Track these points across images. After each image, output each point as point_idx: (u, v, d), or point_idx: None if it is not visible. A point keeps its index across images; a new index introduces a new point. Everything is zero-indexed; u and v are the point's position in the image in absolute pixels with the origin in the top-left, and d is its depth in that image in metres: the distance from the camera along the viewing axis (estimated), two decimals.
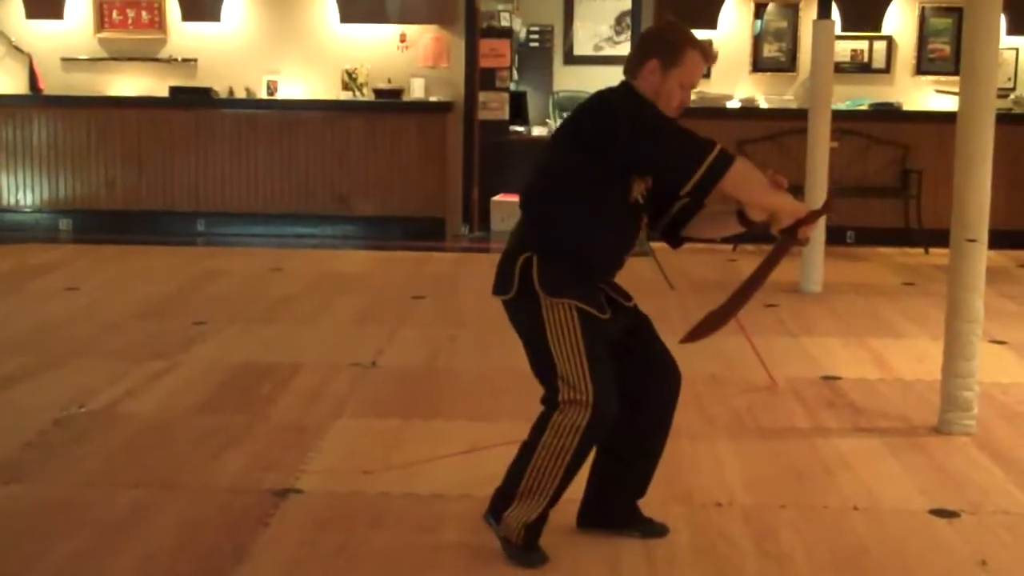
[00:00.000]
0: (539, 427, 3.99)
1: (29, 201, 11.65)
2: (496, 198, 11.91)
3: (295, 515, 4.43)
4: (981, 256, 5.41)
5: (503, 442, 5.23)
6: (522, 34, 14.83)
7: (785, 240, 3.93)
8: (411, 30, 11.59)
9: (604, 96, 3.99)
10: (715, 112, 11.31)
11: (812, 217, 3.93)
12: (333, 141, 11.49)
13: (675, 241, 4.36)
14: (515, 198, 12.31)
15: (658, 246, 10.81)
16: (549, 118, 13.86)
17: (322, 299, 8.50)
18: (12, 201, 11.68)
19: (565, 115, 13.30)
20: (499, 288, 4.07)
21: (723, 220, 4.19)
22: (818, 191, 8.67)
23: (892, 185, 11.24)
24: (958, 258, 5.43)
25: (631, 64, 4.02)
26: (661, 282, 9.18)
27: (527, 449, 4.00)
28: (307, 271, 9.67)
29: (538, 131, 13.04)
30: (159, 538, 4.20)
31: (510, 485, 4.02)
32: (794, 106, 11.20)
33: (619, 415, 4.01)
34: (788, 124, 10.81)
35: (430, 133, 11.46)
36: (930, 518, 4.49)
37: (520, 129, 12.76)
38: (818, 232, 8.73)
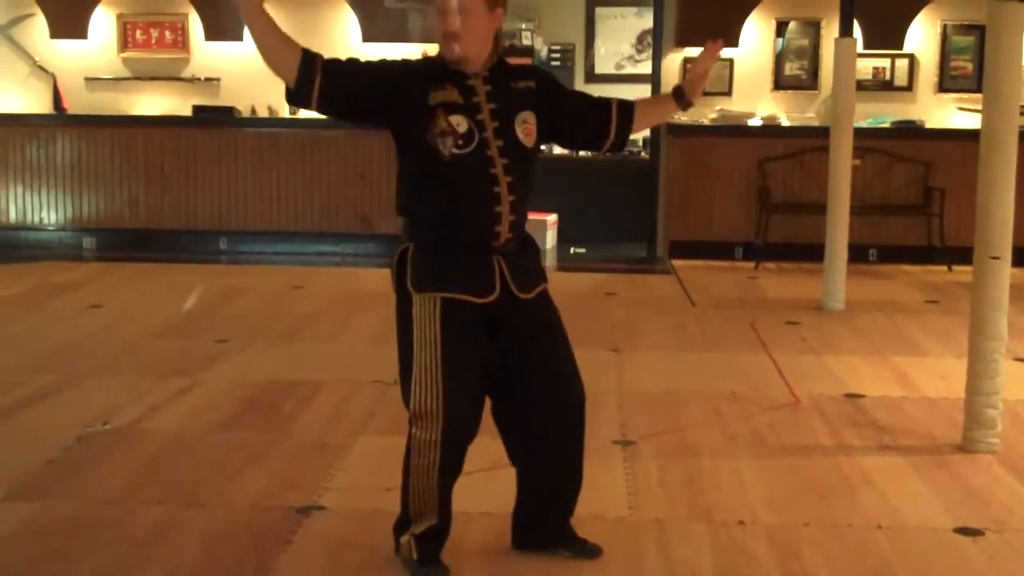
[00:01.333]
0: (407, 446, 3.97)
1: (53, 220, 11.70)
2: None
3: (318, 532, 4.44)
4: (1005, 273, 5.39)
5: None
6: (543, 52, 14.83)
7: None
8: (433, 49, 11.56)
9: None
10: (737, 130, 11.31)
11: None
12: (355, 160, 11.51)
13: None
14: (537, 216, 12.33)
15: (679, 264, 10.84)
16: None
17: (344, 317, 8.51)
18: (36, 219, 11.73)
19: None
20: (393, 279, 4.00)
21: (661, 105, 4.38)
22: (841, 210, 8.66)
23: (915, 203, 11.20)
24: (981, 275, 5.41)
25: None
26: (682, 299, 9.17)
27: (403, 471, 3.99)
28: (329, 289, 9.69)
29: (559, 149, 13.02)
30: (182, 555, 4.21)
31: (402, 512, 4.04)
32: (816, 124, 11.18)
33: (506, 429, 4.05)
34: (810, 142, 10.80)
35: None
36: (954, 536, 4.46)
37: (542, 147, 12.74)
38: (840, 249, 8.71)
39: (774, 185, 11.09)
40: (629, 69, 14.90)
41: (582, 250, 11.90)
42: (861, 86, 10.43)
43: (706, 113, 11.44)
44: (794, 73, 11.57)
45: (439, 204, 3.86)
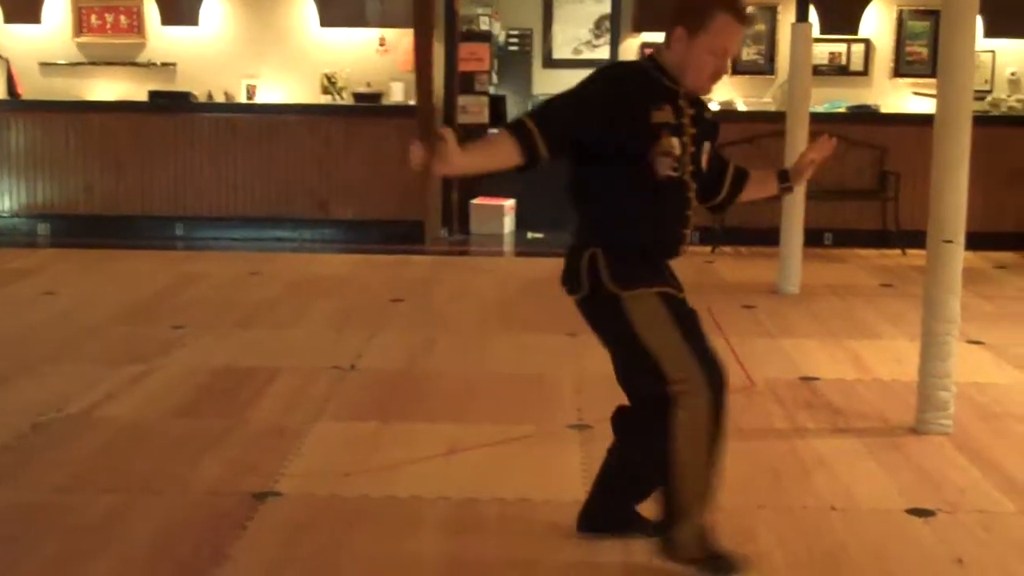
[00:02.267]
0: (662, 434, 3.74)
1: (7, 206, 11.60)
2: (475, 201, 11.91)
3: (274, 518, 4.43)
4: (958, 257, 5.43)
5: (483, 444, 5.26)
6: (501, 38, 14.82)
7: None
8: (390, 34, 11.59)
9: (604, 65, 3.98)
10: None
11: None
12: (312, 145, 11.47)
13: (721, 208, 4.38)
14: (494, 201, 12.34)
15: None
16: None
17: (301, 303, 8.49)
18: None
19: None
20: (569, 286, 3.92)
21: (765, 183, 4.28)
22: (796, 194, 8.69)
23: (870, 187, 11.28)
24: (935, 259, 5.46)
25: (665, 32, 3.88)
26: None
27: (660, 465, 3.78)
28: (286, 275, 9.66)
29: None
30: (137, 542, 4.20)
31: (669, 511, 3.83)
32: (772, 108, 11.23)
33: (639, 416, 3.99)
34: (766, 127, 10.84)
35: (409, 137, 11.29)
36: (907, 517, 4.51)
37: None
38: (795, 234, 8.77)
39: None
40: (587, 54, 14.92)
41: (539, 235, 11.91)
42: (817, 71, 10.46)
43: None
44: (751, 58, 11.61)
45: (644, 219, 3.83)
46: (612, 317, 3.80)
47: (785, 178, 4.28)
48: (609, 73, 3.90)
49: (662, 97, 3.81)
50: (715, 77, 3.84)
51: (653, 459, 3.81)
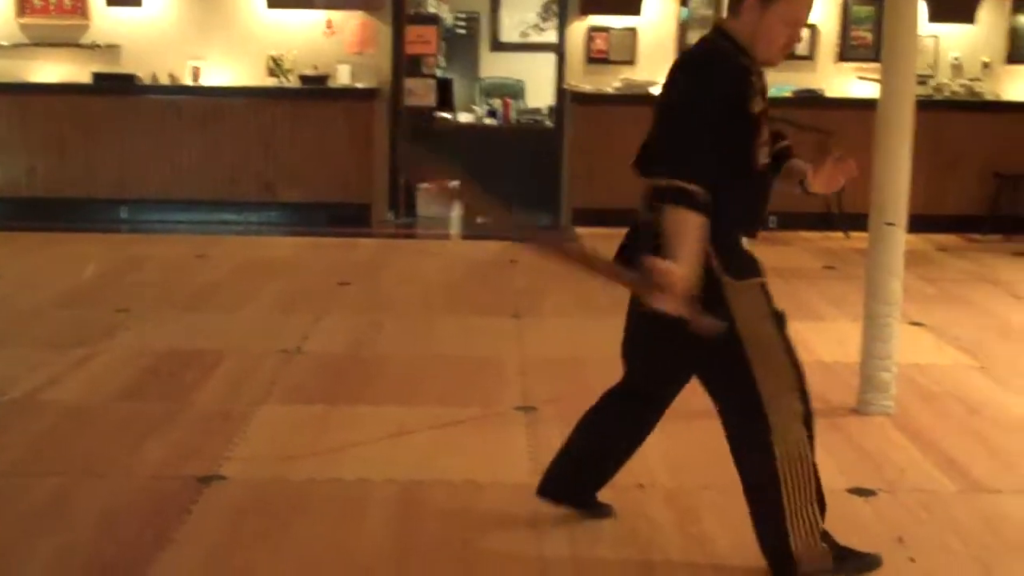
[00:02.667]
0: (761, 468, 3.65)
1: None
2: (422, 184, 11.88)
3: (219, 502, 4.42)
4: (899, 240, 5.49)
5: (429, 426, 5.27)
6: (449, 20, 14.80)
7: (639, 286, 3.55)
8: (337, 16, 11.53)
9: (686, 59, 3.77)
10: (641, 99, 11.34)
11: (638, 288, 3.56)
12: (258, 127, 11.40)
13: None
14: (443, 183, 12.26)
15: (583, 231, 10.88)
16: (475, 104, 13.84)
17: (247, 286, 8.46)
18: None
19: (492, 102, 13.36)
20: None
21: (791, 175, 4.05)
22: None
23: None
24: (877, 242, 5.51)
25: (732, 1, 3.70)
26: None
27: (768, 503, 3.67)
28: (232, 258, 9.61)
29: (464, 117, 13.03)
30: (80, 526, 4.18)
31: (776, 542, 3.71)
32: None
33: (631, 406, 4.05)
34: None
35: (356, 119, 11.40)
36: (849, 497, 4.56)
37: (447, 115, 12.74)
38: None
39: None
40: (534, 37, 14.95)
41: (486, 218, 11.88)
42: None
43: (610, 81, 11.48)
44: None
45: (746, 210, 3.71)
46: (712, 311, 3.51)
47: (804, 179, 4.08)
48: (706, 75, 3.60)
49: (751, 82, 3.61)
50: (787, 48, 3.67)
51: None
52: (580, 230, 11.02)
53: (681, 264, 3.38)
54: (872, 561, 3.88)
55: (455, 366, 6.38)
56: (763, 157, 3.69)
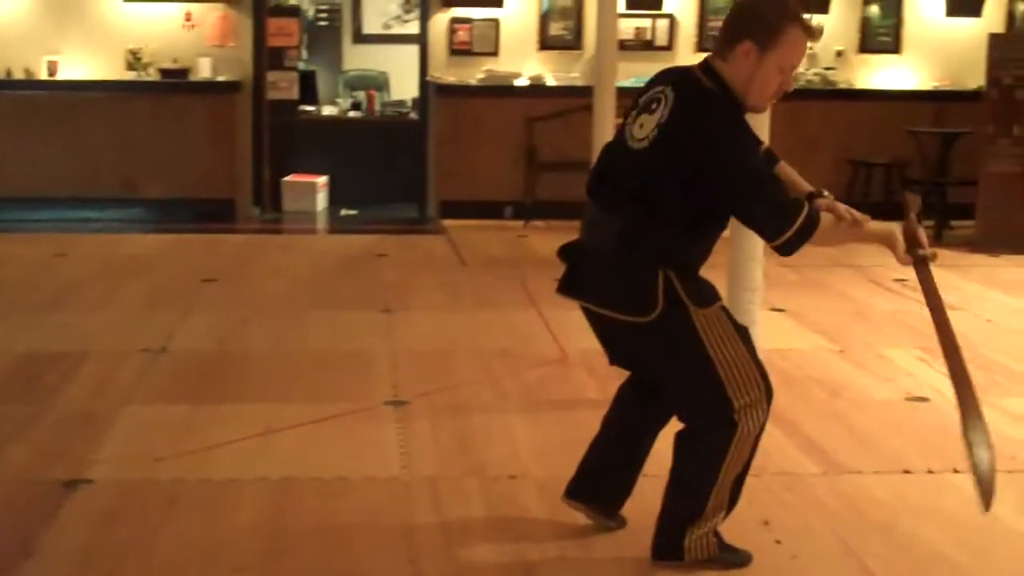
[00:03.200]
0: (714, 449, 3.73)
1: None
2: (287, 179, 11.79)
3: (85, 506, 4.35)
4: None
5: (298, 423, 5.25)
6: (310, 12, 14.71)
7: (917, 268, 3.77)
8: (196, 8, 11.37)
9: (706, 112, 3.60)
10: (504, 90, 11.42)
11: (911, 235, 3.79)
12: (118, 122, 11.21)
13: None
14: (306, 178, 12.21)
15: (450, 224, 10.91)
16: (339, 97, 13.76)
17: (109, 284, 8.31)
18: None
19: (356, 94, 13.29)
20: (634, 307, 3.66)
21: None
22: None
23: None
24: (738, 229, 5.60)
25: (720, 43, 3.65)
26: (453, 258, 9.25)
27: (704, 475, 3.76)
28: (93, 256, 9.44)
29: (328, 110, 12.95)
30: None
31: (686, 515, 3.82)
32: (581, 83, 11.34)
33: (639, 403, 4.05)
34: (575, 101, 10.92)
35: (218, 113, 11.28)
36: None
37: (310, 108, 12.65)
38: None
39: (541, 144, 11.22)
40: (397, 29, 14.91)
41: (353, 212, 11.88)
42: (624, 46, 10.65)
43: (473, 73, 11.51)
44: (559, 33, 11.72)
45: (709, 240, 3.84)
46: (684, 343, 3.65)
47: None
48: (736, 117, 3.62)
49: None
50: (777, 95, 3.71)
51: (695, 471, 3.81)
52: (448, 222, 11.05)
53: (869, 235, 3.82)
54: (745, 558, 3.95)
55: (324, 362, 6.35)
56: None
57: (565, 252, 3.95)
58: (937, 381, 6.07)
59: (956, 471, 4.78)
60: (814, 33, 3.71)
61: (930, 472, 4.80)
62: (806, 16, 3.66)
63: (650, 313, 3.62)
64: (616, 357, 3.99)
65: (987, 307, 7.67)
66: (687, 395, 3.79)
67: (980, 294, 8.11)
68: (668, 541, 3.85)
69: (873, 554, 4.03)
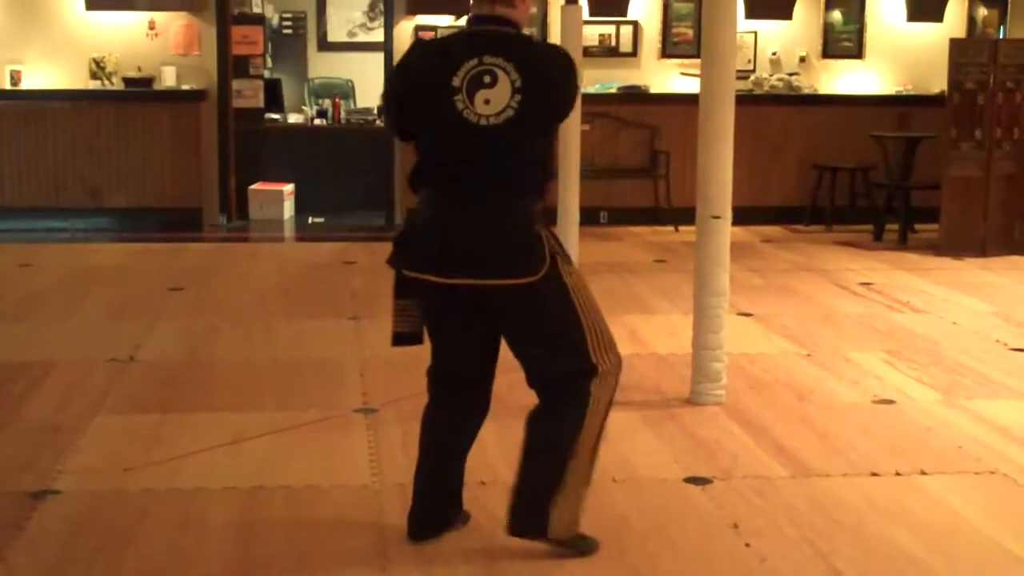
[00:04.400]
0: (572, 414, 3.86)
1: None
2: (254, 187, 11.77)
3: (53, 517, 4.32)
4: (725, 232, 5.63)
5: (268, 432, 5.24)
6: (275, 20, 14.67)
7: None
8: (160, 17, 11.33)
9: (558, 63, 3.94)
10: None
11: None
12: (82, 132, 11.15)
13: None
14: (273, 186, 12.19)
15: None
16: (305, 105, 13.73)
17: (76, 294, 8.27)
18: None
19: (322, 102, 13.26)
20: (527, 268, 3.80)
21: None
22: (572, 174, 8.85)
23: (642, 166, 11.54)
24: (704, 234, 5.64)
25: None
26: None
27: (561, 443, 3.87)
28: (59, 266, 9.38)
29: (294, 118, 12.91)
30: None
31: (546, 486, 3.89)
32: None
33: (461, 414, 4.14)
34: None
35: (183, 122, 11.24)
36: (685, 486, 4.67)
37: (276, 116, 12.62)
38: (571, 212, 8.93)
39: None
40: (362, 37, 14.90)
41: (320, 219, 11.86)
42: (588, 52, 10.69)
43: None
44: None
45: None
46: (560, 295, 3.85)
47: None
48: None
49: None
50: None
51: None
52: None
53: None
54: (593, 545, 4.04)
55: (293, 370, 6.34)
56: None
57: (422, 244, 3.95)
58: (904, 384, 6.13)
59: (923, 473, 4.82)
60: None
61: (898, 474, 4.83)
62: None
63: (540, 270, 3.79)
64: (468, 346, 4.04)
65: (952, 310, 7.72)
66: (555, 354, 3.87)
67: (945, 297, 8.16)
68: (529, 516, 3.93)
69: (842, 556, 4.05)
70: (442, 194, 3.88)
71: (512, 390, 5.88)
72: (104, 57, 11.21)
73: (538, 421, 3.95)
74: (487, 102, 3.75)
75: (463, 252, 3.85)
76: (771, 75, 11.92)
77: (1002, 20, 12.30)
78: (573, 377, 3.85)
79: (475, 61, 3.78)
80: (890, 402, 5.85)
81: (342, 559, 4.00)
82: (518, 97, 3.75)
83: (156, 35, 11.35)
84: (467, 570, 3.93)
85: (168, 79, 11.28)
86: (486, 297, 3.86)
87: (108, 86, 11.23)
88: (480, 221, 3.83)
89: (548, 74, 3.85)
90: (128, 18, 11.27)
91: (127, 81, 11.22)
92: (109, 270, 9.28)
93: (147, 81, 11.23)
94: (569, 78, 3.90)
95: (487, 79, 3.76)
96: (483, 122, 3.76)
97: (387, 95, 4.15)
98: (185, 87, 11.30)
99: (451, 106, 3.76)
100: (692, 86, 11.13)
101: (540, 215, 3.87)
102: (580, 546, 4.00)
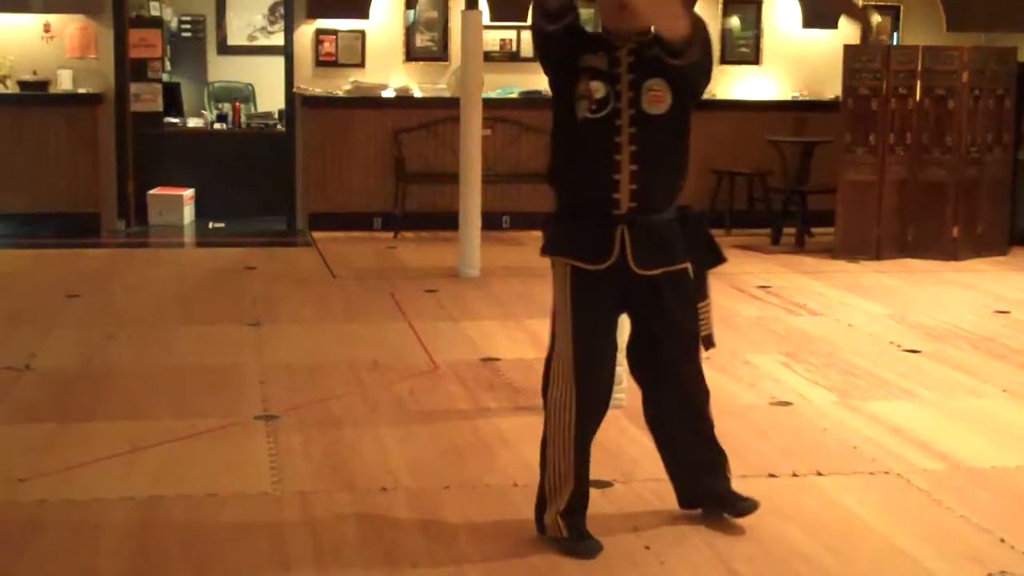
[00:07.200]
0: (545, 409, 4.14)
1: None
2: (153, 192, 11.64)
3: None
4: None
5: (166, 440, 5.18)
6: (173, 23, 14.50)
7: None
8: (55, 19, 11.16)
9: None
10: (371, 101, 11.38)
11: None
12: None
13: None
14: (173, 191, 12.05)
15: (320, 236, 10.87)
16: (205, 109, 13.61)
17: None
18: None
19: (222, 106, 13.16)
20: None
21: None
22: (473, 179, 8.87)
23: (543, 171, 11.54)
24: None
25: None
26: (323, 271, 9.21)
27: (541, 454, 4.17)
28: None
29: (194, 122, 12.79)
30: None
31: (541, 491, 4.17)
32: (447, 95, 11.36)
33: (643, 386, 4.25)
34: (443, 112, 10.99)
35: (80, 126, 11.07)
36: None
37: (175, 121, 12.50)
38: (474, 218, 8.96)
39: (409, 155, 11.23)
40: (262, 40, 14.79)
41: (220, 225, 11.76)
42: (489, 57, 10.72)
43: (340, 84, 11.47)
44: (425, 45, 11.72)
45: (572, 161, 4.37)
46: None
47: None
48: None
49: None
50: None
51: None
52: (317, 234, 10.99)
53: None
54: (593, 548, 4.10)
55: (192, 377, 6.28)
56: (583, 112, 4.35)
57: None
58: (800, 386, 6.22)
59: (819, 474, 4.90)
60: None
61: (795, 475, 4.90)
62: None
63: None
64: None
65: (847, 312, 7.85)
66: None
67: (841, 299, 8.29)
68: (537, 513, 4.17)
69: (740, 557, 4.10)
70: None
71: (414, 395, 5.92)
72: None
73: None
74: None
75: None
76: None
77: (895, 27, 12.53)
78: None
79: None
80: (787, 404, 5.93)
81: (242, 568, 3.97)
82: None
83: (52, 38, 11.18)
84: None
85: (64, 82, 11.11)
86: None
87: (3, 89, 11.03)
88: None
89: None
90: (23, 20, 11.09)
91: (22, 85, 11.04)
92: (5, 277, 9.12)
93: (43, 84, 11.06)
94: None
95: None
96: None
97: None
98: (82, 91, 11.13)
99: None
100: None
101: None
102: (569, 548, 4.08)
